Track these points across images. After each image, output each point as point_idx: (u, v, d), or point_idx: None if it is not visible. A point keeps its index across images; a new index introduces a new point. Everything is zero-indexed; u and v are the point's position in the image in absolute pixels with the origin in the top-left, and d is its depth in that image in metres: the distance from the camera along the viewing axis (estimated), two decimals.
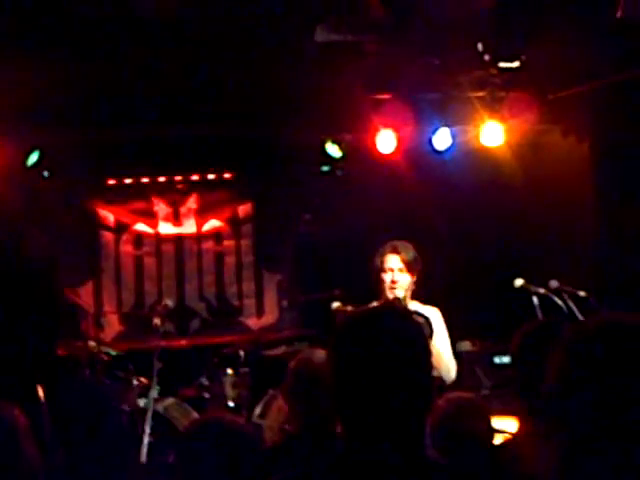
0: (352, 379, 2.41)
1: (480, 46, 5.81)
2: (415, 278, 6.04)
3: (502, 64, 6.29)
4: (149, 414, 5.66)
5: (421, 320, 5.37)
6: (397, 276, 5.95)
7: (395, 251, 5.98)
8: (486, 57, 6.02)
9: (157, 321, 6.44)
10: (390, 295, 5.95)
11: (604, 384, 1.88)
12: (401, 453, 2.36)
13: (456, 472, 2.65)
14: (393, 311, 2.58)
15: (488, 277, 8.41)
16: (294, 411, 4.08)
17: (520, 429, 3.43)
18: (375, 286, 6.07)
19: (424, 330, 2.57)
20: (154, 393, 6.06)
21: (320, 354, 4.00)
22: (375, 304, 5.99)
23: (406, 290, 5.98)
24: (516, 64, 6.26)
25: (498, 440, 4.10)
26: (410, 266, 5.96)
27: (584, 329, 1.97)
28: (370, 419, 2.38)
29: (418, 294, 6.15)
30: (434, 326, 5.98)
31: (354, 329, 2.49)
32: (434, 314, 6.09)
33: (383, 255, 5.99)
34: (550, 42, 5.81)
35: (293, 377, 4.10)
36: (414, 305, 6.09)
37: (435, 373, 5.85)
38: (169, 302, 7.20)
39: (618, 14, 4.94)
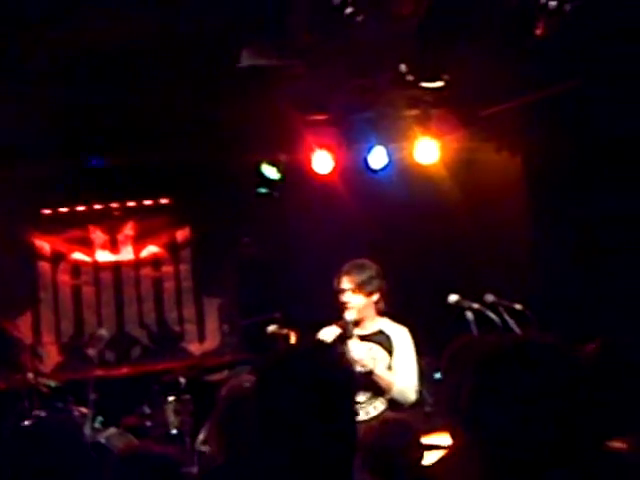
0: (272, 423, 2.38)
1: (403, 67, 5.86)
2: (373, 297, 6.05)
3: (425, 84, 6.35)
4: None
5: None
6: (348, 297, 5.99)
7: (346, 272, 6.03)
8: (409, 78, 6.07)
9: (91, 351, 6.36)
10: (344, 316, 5.99)
11: (514, 402, 1.90)
12: None
13: None
14: (318, 354, 2.50)
15: (425, 293, 8.46)
16: (224, 439, 4.01)
17: (452, 444, 3.45)
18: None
19: (351, 374, 2.53)
20: (90, 424, 5.98)
21: (251, 380, 3.95)
22: (330, 328, 6.07)
23: (360, 311, 6.01)
24: (439, 84, 6.32)
25: (436, 456, 4.11)
26: (362, 287, 5.99)
27: (495, 348, 2.00)
28: (289, 461, 2.35)
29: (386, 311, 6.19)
30: (395, 346, 6.01)
31: (275, 373, 2.44)
32: (400, 333, 6.11)
33: (338, 277, 6.05)
34: (478, 60, 5.88)
35: (223, 405, 4.04)
36: (382, 323, 6.12)
37: (387, 396, 5.88)
38: (103, 332, 7.11)
39: (537, 32, 5.03)
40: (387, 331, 6.08)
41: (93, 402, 6.26)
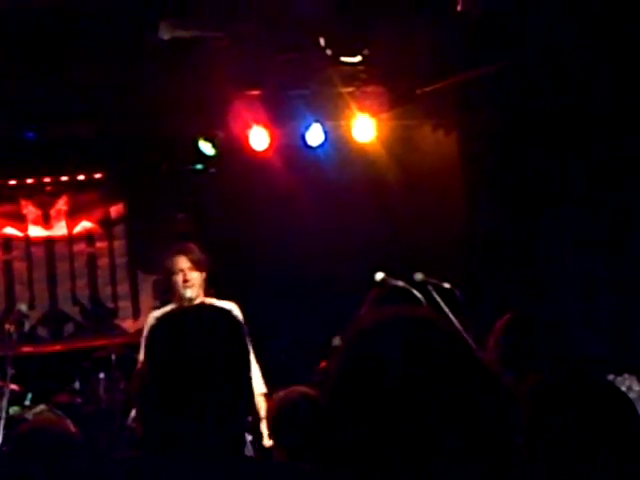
0: (163, 379, 2.37)
1: (322, 41, 5.82)
2: (203, 274, 6.22)
3: (344, 58, 6.34)
4: (1, 422, 5.52)
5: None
6: (188, 275, 6.12)
7: (182, 252, 6.20)
8: (328, 52, 6.04)
9: (8, 327, 6.26)
10: (185, 294, 6.12)
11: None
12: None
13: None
14: (206, 307, 2.56)
15: (358, 271, 8.44)
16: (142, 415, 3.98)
17: None
18: (168, 289, 6.34)
19: (242, 327, 2.54)
20: (6, 400, 5.91)
21: None
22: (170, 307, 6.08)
23: (199, 287, 6.17)
24: (358, 59, 6.30)
25: None
26: (198, 264, 6.17)
27: (363, 325, 1.93)
28: (180, 418, 2.33)
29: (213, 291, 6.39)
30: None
31: (165, 328, 2.47)
32: (233, 310, 6.19)
33: (172, 257, 6.20)
34: (400, 37, 5.86)
35: (139, 379, 4.01)
36: (211, 300, 6.18)
37: None
38: (22, 307, 7.00)
39: (458, 8, 5.02)
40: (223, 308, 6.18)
41: (10, 378, 6.16)
